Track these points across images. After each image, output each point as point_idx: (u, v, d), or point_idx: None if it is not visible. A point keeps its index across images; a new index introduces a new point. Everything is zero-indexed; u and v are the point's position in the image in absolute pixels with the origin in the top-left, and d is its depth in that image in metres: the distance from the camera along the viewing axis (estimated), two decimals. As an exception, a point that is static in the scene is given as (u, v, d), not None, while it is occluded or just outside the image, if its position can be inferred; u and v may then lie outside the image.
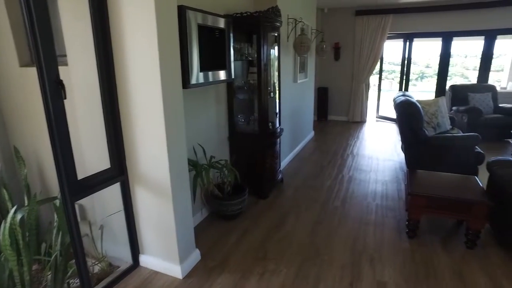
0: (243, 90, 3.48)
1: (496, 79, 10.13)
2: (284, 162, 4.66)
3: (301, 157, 5.18)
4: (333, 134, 6.70)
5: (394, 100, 4.48)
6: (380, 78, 8.08)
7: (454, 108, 6.36)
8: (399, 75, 7.85)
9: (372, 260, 2.57)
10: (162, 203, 2.22)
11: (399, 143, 5.93)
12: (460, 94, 6.47)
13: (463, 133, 4.67)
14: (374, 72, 7.61)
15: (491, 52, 6.91)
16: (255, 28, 3.19)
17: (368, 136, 6.60)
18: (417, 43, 7.51)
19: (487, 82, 7.03)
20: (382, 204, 3.52)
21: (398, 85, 7.97)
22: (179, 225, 2.29)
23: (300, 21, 4.39)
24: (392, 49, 10.09)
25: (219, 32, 2.89)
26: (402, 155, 5.18)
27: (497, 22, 6.60)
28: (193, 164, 2.77)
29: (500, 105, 6.39)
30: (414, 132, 3.89)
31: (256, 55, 3.26)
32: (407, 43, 7.31)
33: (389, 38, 7.33)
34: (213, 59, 2.86)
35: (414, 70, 12.77)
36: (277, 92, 3.77)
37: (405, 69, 7.49)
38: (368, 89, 7.88)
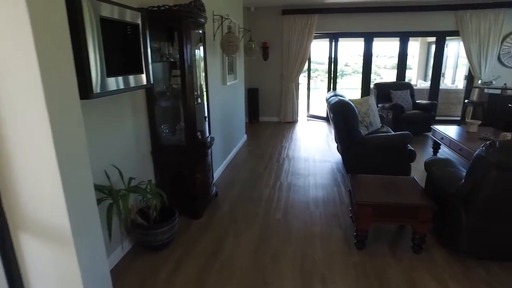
0: (165, 97, 2.99)
1: (407, 77, 11.00)
2: (217, 173, 4.27)
3: (235, 165, 4.84)
4: (266, 137, 6.50)
5: (328, 100, 4.37)
6: (308, 78, 8.13)
7: (379, 105, 6.61)
8: (322, 74, 7.99)
9: (324, 281, 2.32)
10: (61, 250, 1.67)
11: (332, 142, 5.95)
12: (383, 91, 6.75)
13: (392, 130, 4.79)
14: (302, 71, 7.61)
15: (405, 52, 7.36)
16: (176, 24, 2.74)
17: (301, 136, 6.53)
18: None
19: (404, 80, 7.49)
20: (326, 212, 3.34)
21: (321, 83, 8.12)
22: (88, 275, 1.76)
23: (227, 18, 4.03)
24: (316, 49, 10.34)
25: (132, 28, 2.38)
26: (337, 155, 5.15)
27: (410, 25, 7.04)
28: (107, 192, 2.22)
29: (417, 101, 6.82)
30: (351, 133, 3.80)
31: (178, 56, 2.80)
32: (333, 43, 7.43)
33: (316, 37, 7.38)
34: (125, 61, 2.35)
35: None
36: (205, 96, 3.37)
37: (332, 68, 7.62)
38: (298, 88, 7.87)
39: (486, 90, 6.81)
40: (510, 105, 6.14)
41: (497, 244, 2.40)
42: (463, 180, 2.35)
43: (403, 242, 2.77)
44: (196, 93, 3.08)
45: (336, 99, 4.00)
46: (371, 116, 4.60)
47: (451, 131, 4.91)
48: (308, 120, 8.22)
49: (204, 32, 3.19)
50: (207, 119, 3.42)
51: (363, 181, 2.94)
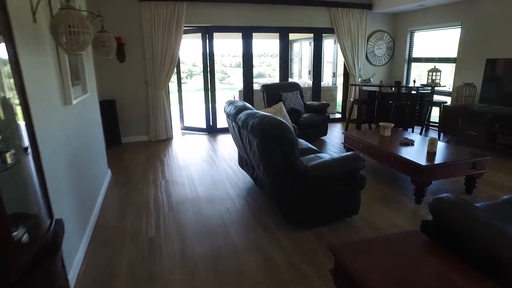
0: None
1: (270, 77, 10.76)
2: (75, 266, 2.38)
3: (106, 233, 2.97)
4: (139, 167, 4.67)
5: (237, 118, 3.04)
6: (179, 82, 6.56)
7: (271, 111, 5.68)
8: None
9: None
10: None
11: (225, 163, 4.64)
12: (273, 94, 5.86)
13: (308, 142, 3.85)
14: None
15: (287, 50, 6.70)
16: None
17: (186, 160, 4.98)
18: (185, 41, 6.50)
19: (287, 80, 6.84)
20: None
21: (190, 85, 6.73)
22: None
23: (59, -19, 2.17)
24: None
25: None
26: (243, 184, 3.89)
27: (289, 21, 6.39)
28: None
29: (307, 102, 6.22)
30: (291, 166, 2.58)
31: None
32: (207, 39, 6.10)
33: (186, 32, 5.90)
34: None
35: (183, 68, 12.66)
36: (26, 138, 1.52)
37: (208, 68, 6.27)
38: (169, 96, 6.23)
39: (364, 88, 6.79)
40: (390, 101, 6.18)
41: None
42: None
43: None
44: None
45: (259, 118, 2.70)
46: (289, 131, 3.52)
47: (365, 136, 4.33)
48: (184, 134, 6.67)
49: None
50: (42, 186, 1.58)
51: (366, 261, 1.73)
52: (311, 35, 6.83)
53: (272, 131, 2.48)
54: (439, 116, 5.98)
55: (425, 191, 3.37)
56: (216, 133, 6.58)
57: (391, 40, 7.32)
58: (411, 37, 7.02)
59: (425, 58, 6.84)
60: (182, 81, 6.51)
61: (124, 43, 5.47)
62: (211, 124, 6.60)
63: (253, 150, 2.89)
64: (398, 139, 4.12)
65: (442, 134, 6.04)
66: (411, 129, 6.25)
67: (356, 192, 2.88)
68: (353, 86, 7.04)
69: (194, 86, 15.73)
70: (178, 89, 6.57)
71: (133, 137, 6.02)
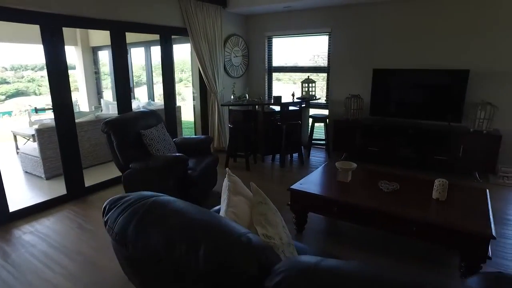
0: None
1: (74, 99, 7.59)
2: None
3: None
4: None
5: None
6: None
7: (132, 165, 3.21)
8: None
9: None
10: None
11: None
12: (128, 134, 3.38)
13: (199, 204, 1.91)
14: None
15: (125, 58, 4.21)
16: None
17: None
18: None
19: (130, 107, 4.36)
20: None
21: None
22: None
23: None
24: None
25: None
26: None
27: (125, 14, 3.97)
28: None
29: (177, 140, 4.02)
30: None
31: None
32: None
33: None
34: None
35: None
36: None
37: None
38: None
39: (234, 108, 5.20)
40: (279, 123, 4.86)
41: None
42: None
43: None
44: None
45: None
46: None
47: (324, 188, 2.73)
48: None
49: None
50: None
51: None
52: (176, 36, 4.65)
53: None
54: (327, 133, 5.18)
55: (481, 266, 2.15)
56: (10, 227, 3.35)
57: (246, 46, 6.06)
58: (269, 43, 5.97)
59: (290, 67, 5.94)
60: None
61: None
62: (-7, 203, 3.30)
63: None
64: (366, 183, 2.78)
65: (329, 153, 5.27)
66: (297, 153, 5.16)
67: None
68: (216, 106, 5.32)
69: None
70: None
71: None
